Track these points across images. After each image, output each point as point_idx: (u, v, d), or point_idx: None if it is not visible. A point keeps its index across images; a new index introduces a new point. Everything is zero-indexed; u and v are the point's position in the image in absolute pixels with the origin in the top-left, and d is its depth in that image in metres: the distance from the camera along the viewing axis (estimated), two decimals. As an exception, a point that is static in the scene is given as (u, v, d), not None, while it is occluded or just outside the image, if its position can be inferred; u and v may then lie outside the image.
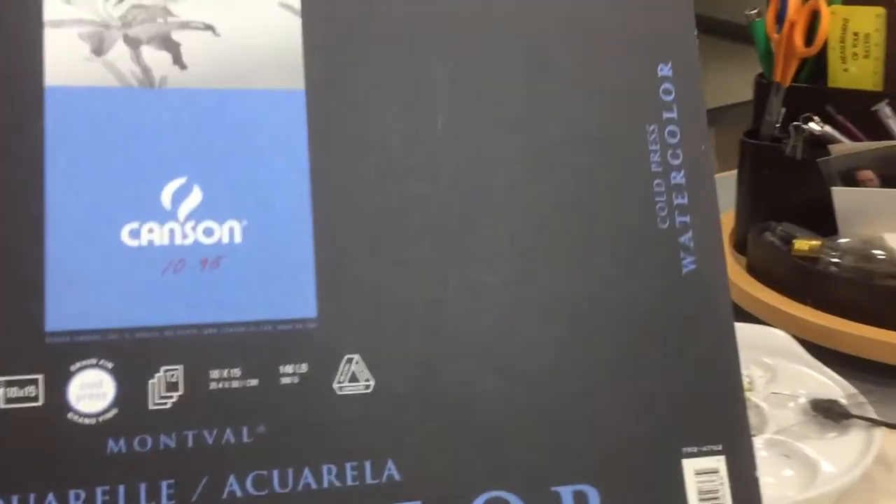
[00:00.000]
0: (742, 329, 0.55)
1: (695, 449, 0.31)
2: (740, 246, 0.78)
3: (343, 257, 0.29)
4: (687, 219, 0.33)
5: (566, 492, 0.29)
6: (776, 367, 0.57)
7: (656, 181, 0.33)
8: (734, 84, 1.09)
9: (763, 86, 0.78)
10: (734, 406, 0.32)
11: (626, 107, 0.33)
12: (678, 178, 0.33)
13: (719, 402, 0.31)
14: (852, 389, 0.54)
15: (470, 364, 0.30)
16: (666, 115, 0.33)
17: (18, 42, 0.28)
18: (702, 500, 0.30)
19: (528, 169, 0.32)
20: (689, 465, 0.31)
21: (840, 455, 0.48)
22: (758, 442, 0.49)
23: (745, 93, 0.85)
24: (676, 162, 0.33)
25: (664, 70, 0.33)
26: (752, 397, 0.53)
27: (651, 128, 0.33)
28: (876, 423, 0.50)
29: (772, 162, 0.75)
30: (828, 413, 0.52)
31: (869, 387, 0.56)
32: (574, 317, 0.31)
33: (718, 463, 0.31)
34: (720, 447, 0.31)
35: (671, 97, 0.33)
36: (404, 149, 0.31)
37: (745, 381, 0.52)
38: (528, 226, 0.31)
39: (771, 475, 0.47)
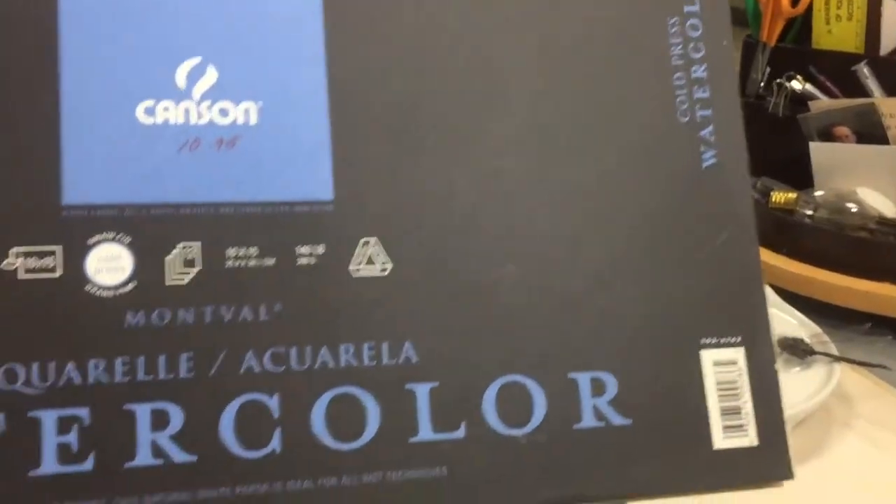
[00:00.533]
0: None
1: (713, 340, 0.31)
2: None
3: (359, 142, 0.29)
4: (708, 112, 0.32)
5: (583, 378, 0.30)
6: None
7: (677, 74, 0.33)
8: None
9: (750, 45, 0.81)
10: (753, 300, 0.32)
11: None
12: (699, 71, 0.33)
13: (738, 295, 0.31)
14: (817, 330, 0.57)
15: (486, 249, 0.30)
16: (687, 8, 0.33)
17: None
18: (720, 390, 0.31)
19: (545, 58, 0.32)
20: (708, 356, 0.31)
21: (801, 387, 0.51)
22: None
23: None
24: (698, 55, 0.33)
25: None
26: None
27: (672, 20, 0.33)
28: (836, 359, 0.53)
29: (755, 118, 0.76)
30: (793, 350, 0.55)
31: (836, 330, 0.59)
32: (591, 206, 0.31)
33: (737, 354, 0.31)
34: (739, 339, 0.31)
35: None
36: (420, 37, 0.31)
37: None
38: (544, 114, 0.31)
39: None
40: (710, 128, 0.32)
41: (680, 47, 0.32)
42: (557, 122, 0.31)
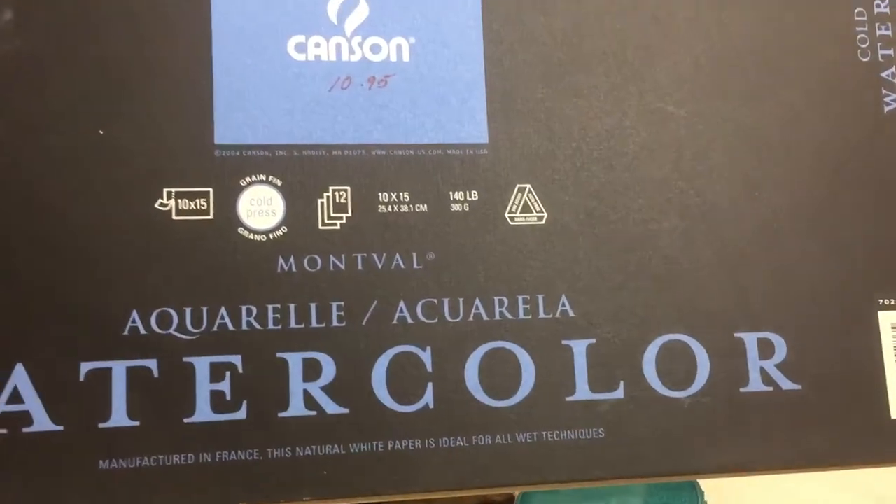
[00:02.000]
0: None
1: (892, 301, 0.28)
2: None
3: (515, 83, 0.28)
4: (890, 52, 0.30)
5: (750, 339, 0.27)
6: None
7: (857, 9, 0.30)
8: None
9: None
10: None
11: None
12: (883, 6, 0.30)
13: None
14: None
15: (648, 199, 0.28)
16: None
17: None
18: None
19: (697, 21, 0.29)
20: (886, 318, 0.28)
21: None
22: None
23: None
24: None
25: None
26: None
27: None
28: None
29: None
30: None
31: None
32: (762, 154, 0.29)
33: None
34: None
35: None
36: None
37: None
38: (713, 54, 0.29)
39: None
40: (893, 69, 0.29)
41: None
42: (728, 59, 0.29)
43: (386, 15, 0.27)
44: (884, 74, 0.29)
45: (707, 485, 0.34)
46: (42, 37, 0.25)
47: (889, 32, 0.30)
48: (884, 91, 0.29)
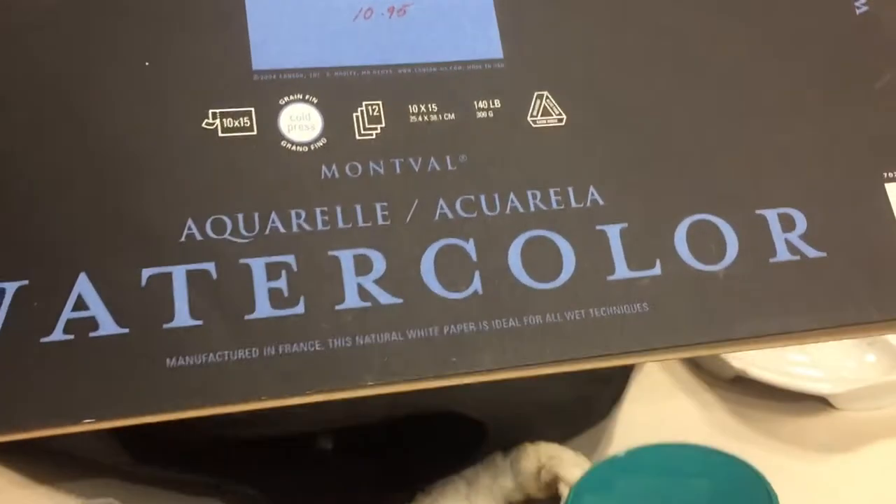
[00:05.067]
0: None
1: None
2: None
3: (522, 5, 0.30)
4: None
5: (771, 215, 0.29)
6: None
7: None
8: None
9: None
10: None
11: None
12: None
13: None
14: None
15: (660, 94, 0.30)
16: None
17: None
18: None
19: None
20: (893, 189, 0.30)
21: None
22: None
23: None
24: None
25: None
26: None
27: None
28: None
29: None
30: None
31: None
32: (759, 57, 0.31)
33: None
34: None
35: None
36: None
37: None
38: None
39: (852, 359, 0.48)
40: None
41: None
42: None
43: None
44: None
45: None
46: None
47: None
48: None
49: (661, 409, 0.46)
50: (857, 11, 0.32)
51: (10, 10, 0.27)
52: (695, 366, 0.49)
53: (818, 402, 0.46)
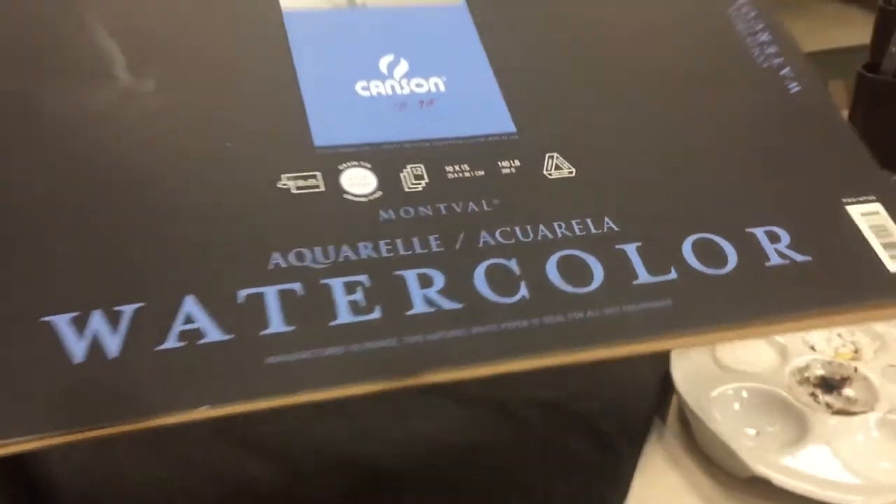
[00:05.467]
0: None
1: (853, 199, 0.37)
2: None
3: (525, 92, 0.38)
4: (781, 60, 0.41)
5: (759, 231, 0.35)
6: (886, 334, 0.55)
7: (747, 40, 0.42)
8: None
9: (888, 14, 0.69)
10: (874, 168, 0.39)
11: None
12: (764, 36, 0.42)
13: (865, 162, 0.38)
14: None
15: (654, 143, 0.37)
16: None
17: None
18: (874, 232, 0.36)
19: (641, 37, 0.42)
20: (855, 210, 0.36)
21: None
22: (869, 420, 0.47)
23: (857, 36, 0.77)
24: (759, 26, 0.42)
25: None
26: (861, 368, 0.51)
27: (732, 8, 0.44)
28: None
29: (893, 99, 0.67)
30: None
31: None
32: (724, 125, 0.39)
33: (878, 207, 0.37)
34: (874, 197, 0.37)
35: None
36: (551, 25, 0.40)
37: (850, 349, 0.54)
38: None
39: (886, 459, 0.45)
40: (787, 68, 0.41)
41: (743, 23, 0.43)
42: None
43: (422, 65, 0.38)
44: (781, 72, 0.41)
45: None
46: (179, 95, 0.35)
47: (775, 50, 0.42)
48: (786, 82, 0.41)
49: None
50: (791, 92, 0.40)
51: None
52: (707, 463, 0.48)
53: None
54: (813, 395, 0.50)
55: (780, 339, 0.55)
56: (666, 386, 0.51)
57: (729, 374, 0.52)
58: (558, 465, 0.44)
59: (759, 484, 0.44)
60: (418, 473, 0.41)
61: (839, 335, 0.56)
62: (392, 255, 0.31)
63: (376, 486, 0.42)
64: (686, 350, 0.53)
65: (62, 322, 0.27)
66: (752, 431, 0.48)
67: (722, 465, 0.48)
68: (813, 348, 0.54)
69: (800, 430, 0.47)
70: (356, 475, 0.43)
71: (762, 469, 0.44)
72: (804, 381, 0.52)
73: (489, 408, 0.45)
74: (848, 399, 0.50)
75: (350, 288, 0.30)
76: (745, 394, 0.51)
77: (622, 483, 0.44)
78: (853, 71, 0.72)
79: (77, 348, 0.27)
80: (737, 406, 0.50)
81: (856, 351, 0.54)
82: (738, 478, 0.46)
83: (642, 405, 0.49)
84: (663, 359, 0.52)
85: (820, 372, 0.52)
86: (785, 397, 0.49)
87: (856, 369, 0.52)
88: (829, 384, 0.51)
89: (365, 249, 0.31)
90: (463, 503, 0.41)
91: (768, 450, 0.46)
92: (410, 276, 0.31)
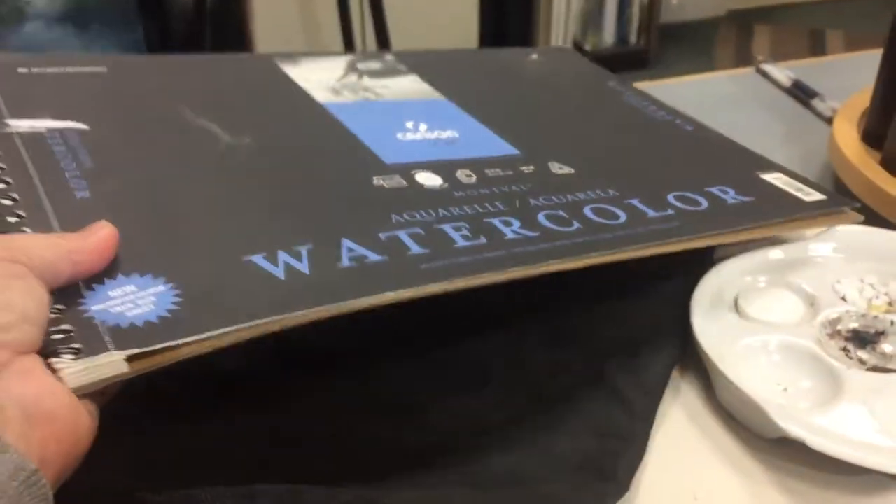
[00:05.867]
0: (880, 236, 0.54)
1: (763, 172, 0.56)
2: (873, 137, 0.67)
3: (513, 135, 0.56)
4: (671, 117, 0.65)
5: (715, 189, 0.52)
6: None
7: (643, 109, 0.66)
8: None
9: None
10: (766, 159, 0.59)
11: None
12: (651, 107, 0.66)
13: (759, 156, 0.60)
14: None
15: (614, 152, 0.57)
16: None
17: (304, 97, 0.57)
18: (785, 185, 0.55)
19: (579, 108, 0.65)
20: (766, 176, 0.56)
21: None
22: None
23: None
24: (645, 102, 0.67)
25: None
26: None
27: None
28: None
29: None
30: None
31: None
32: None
33: (780, 175, 0.57)
34: (776, 171, 0.57)
35: None
36: (513, 99, 0.65)
37: (885, 300, 0.50)
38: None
39: None
40: (678, 120, 0.65)
41: (636, 101, 0.68)
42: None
43: (438, 126, 0.55)
44: None
45: None
46: (270, 142, 0.50)
47: None
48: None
49: (691, 477, 0.41)
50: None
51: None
52: (730, 422, 0.45)
53: (888, 478, 0.41)
54: (845, 349, 0.46)
55: (808, 288, 0.50)
56: (685, 337, 0.47)
57: (754, 326, 0.48)
58: (568, 421, 0.39)
59: (788, 445, 0.41)
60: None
61: (871, 285, 0.51)
62: (476, 212, 0.44)
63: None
64: (706, 299, 0.48)
65: (259, 259, 0.37)
66: (780, 387, 0.44)
67: (747, 425, 0.44)
68: (844, 299, 0.50)
69: (832, 387, 0.43)
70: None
71: (794, 429, 0.40)
72: (835, 334, 0.47)
73: (502, 361, 0.46)
74: (884, 355, 0.46)
75: (457, 229, 0.42)
76: (771, 347, 0.46)
77: (637, 442, 0.40)
78: (847, 22, 0.75)
79: (277, 272, 0.36)
80: (763, 360, 0.45)
81: (890, 303, 0.50)
82: (765, 438, 0.43)
83: (658, 359, 0.44)
84: (683, 308, 0.47)
85: (853, 325, 0.48)
86: (816, 351, 0.45)
87: (892, 322, 0.47)
88: (863, 338, 0.47)
89: (456, 210, 0.44)
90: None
91: (798, 408, 0.42)
92: (496, 221, 0.44)
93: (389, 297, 0.36)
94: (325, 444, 0.39)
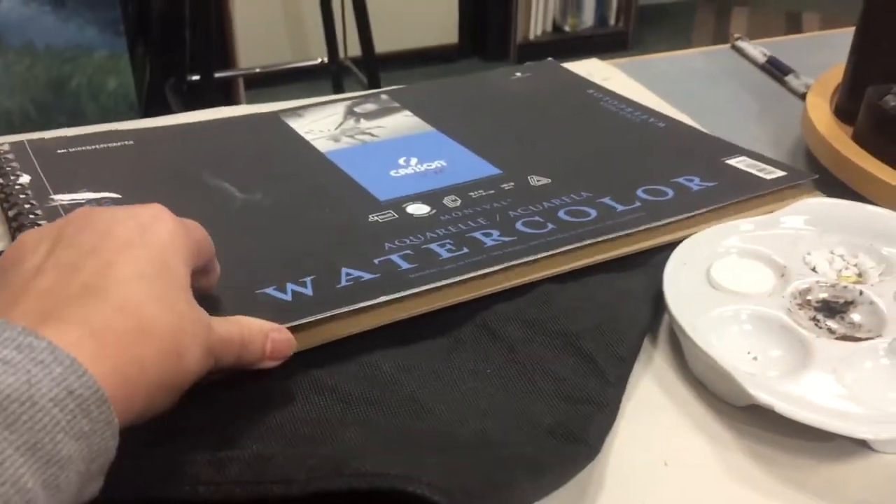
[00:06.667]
0: (849, 209, 0.55)
1: (728, 157, 0.62)
2: (844, 112, 0.68)
3: (496, 157, 0.62)
4: (645, 116, 0.70)
5: (681, 179, 0.58)
6: (890, 256, 0.52)
7: (619, 112, 0.72)
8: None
9: None
10: (735, 145, 0.65)
11: None
12: (628, 108, 0.72)
13: (727, 143, 0.66)
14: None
15: (590, 156, 0.64)
16: None
17: (308, 148, 0.65)
18: (748, 167, 0.60)
19: (558, 117, 0.72)
20: (731, 161, 0.62)
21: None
22: (877, 347, 0.44)
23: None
24: (623, 105, 0.73)
25: None
26: (867, 291, 0.48)
27: None
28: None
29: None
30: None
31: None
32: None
33: (744, 158, 0.63)
34: (740, 155, 0.64)
35: None
36: (499, 126, 0.70)
37: (854, 272, 0.50)
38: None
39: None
40: (651, 118, 0.70)
41: (610, 105, 0.74)
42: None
43: (425, 159, 0.62)
44: None
45: None
46: (282, 195, 0.58)
47: None
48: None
49: (662, 443, 0.42)
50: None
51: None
52: (701, 390, 0.45)
53: (854, 444, 0.41)
54: (814, 319, 0.47)
55: (779, 259, 0.51)
56: (657, 307, 0.47)
57: (725, 296, 0.48)
58: (539, 386, 0.39)
59: (758, 413, 0.42)
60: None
61: (841, 257, 0.52)
62: (459, 229, 0.51)
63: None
64: (678, 270, 0.49)
65: (270, 290, 0.45)
66: (750, 356, 0.44)
67: (717, 393, 0.45)
68: (814, 270, 0.50)
69: (802, 356, 0.44)
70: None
71: (763, 396, 0.40)
72: (805, 304, 0.48)
73: (473, 328, 0.46)
74: (852, 324, 0.46)
75: (442, 245, 0.49)
76: (742, 317, 0.46)
77: (609, 407, 0.40)
78: (823, 4, 0.78)
79: (284, 297, 0.44)
80: (734, 329, 0.46)
81: (859, 274, 0.51)
82: (735, 406, 0.44)
83: (631, 326, 0.44)
84: (655, 277, 0.47)
85: (823, 295, 0.48)
86: (786, 321, 0.46)
87: (861, 293, 0.47)
88: (833, 308, 0.48)
89: (442, 231, 0.51)
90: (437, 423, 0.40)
91: (768, 376, 0.42)
92: (478, 234, 0.51)
93: (382, 300, 0.44)
94: (295, 413, 0.39)
